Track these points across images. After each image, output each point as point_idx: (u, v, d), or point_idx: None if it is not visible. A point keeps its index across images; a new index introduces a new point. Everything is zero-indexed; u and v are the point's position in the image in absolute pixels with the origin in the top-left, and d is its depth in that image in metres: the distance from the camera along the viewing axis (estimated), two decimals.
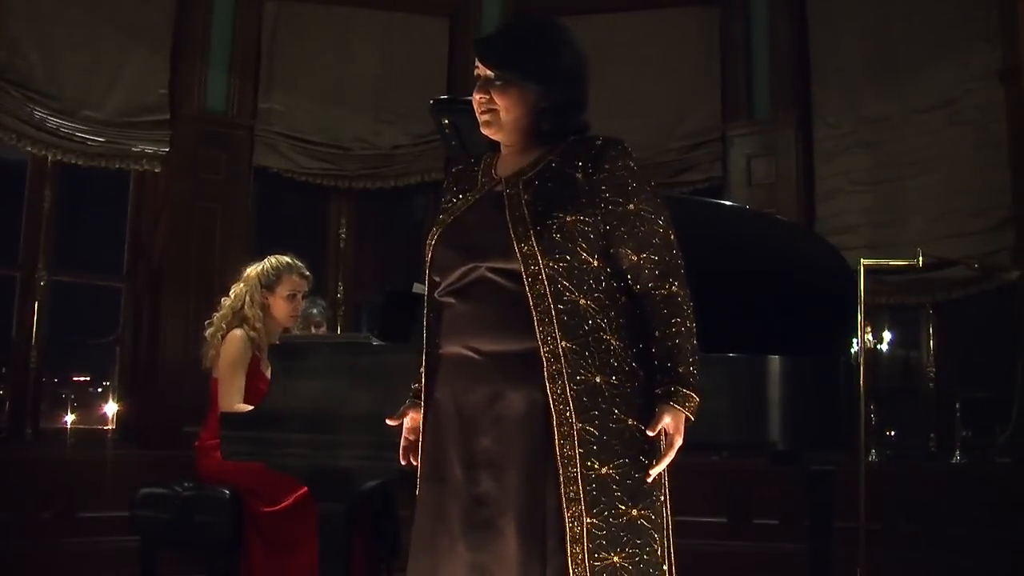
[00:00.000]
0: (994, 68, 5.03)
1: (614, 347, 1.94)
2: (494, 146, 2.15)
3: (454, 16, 6.04)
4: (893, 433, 5.45)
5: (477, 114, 2.07)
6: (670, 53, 5.92)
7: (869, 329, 3.92)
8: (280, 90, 5.73)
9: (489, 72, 2.04)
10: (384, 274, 6.06)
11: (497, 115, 2.04)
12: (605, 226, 1.98)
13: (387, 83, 5.87)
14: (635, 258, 1.98)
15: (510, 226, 1.95)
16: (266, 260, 3.85)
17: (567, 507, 1.88)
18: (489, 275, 1.97)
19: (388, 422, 2.17)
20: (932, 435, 5.25)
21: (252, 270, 3.83)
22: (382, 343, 2.94)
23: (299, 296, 3.85)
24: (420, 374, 2.11)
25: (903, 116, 5.35)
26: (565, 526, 1.88)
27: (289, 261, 3.85)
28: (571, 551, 1.87)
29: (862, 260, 3.88)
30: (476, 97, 2.05)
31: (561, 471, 1.88)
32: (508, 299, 1.94)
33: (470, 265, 1.99)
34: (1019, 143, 4.91)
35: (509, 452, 1.94)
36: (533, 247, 1.92)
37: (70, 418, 5.14)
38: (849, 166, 5.49)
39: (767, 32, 5.77)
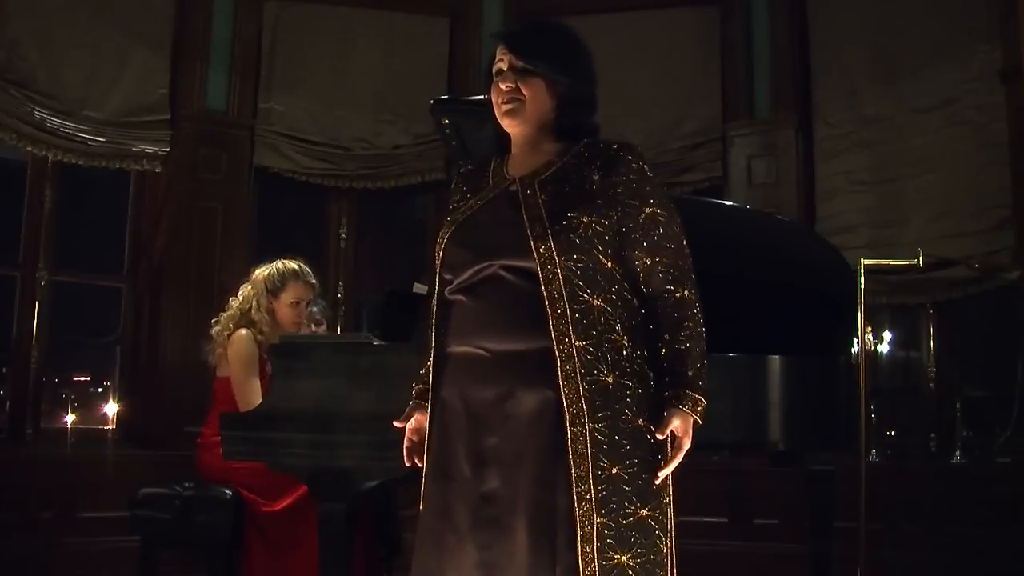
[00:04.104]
0: (994, 68, 5.03)
1: (625, 348, 1.94)
2: (499, 147, 2.14)
3: (454, 16, 6.03)
4: (893, 433, 5.45)
5: (499, 104, 2.05)
6: (670, 53, 5.92)
7: (869, 329, 3.92)
8: (280, 90, 5.73)
9: (516, 62, 2.04)
10: (384, 274, 6.06)
11: (523, 104, 2.03)
12: (621, 228, 1.99)
13: (387, 83, 5.87)
14: (648, 261, 2.00)
15: (527, 225, 1.95)
16: (274, 264, 3.81)
17: (578, 505, 1.88)
18: (502, 273, 1.97)
19: (395, 424, 2.16)
20: (932, 435, 5.24)
21: (260, 273, 3.80)
22: (383, 343, 2.94)
23: (303, 304, 3.81)
24: (422, 375, 2.11)
25: (903, 116, 5.35)
26: (576, 524, 1.87)
27: (296, 268, 3.81)
28: (582, 550, 1.87)
29: (862, 260, 3.88)
30: (502, 86, 2.04)
31: (573, 470, 1.88)
32: (520, 297, 1.94)
33: (484, 263, 1.98)
34: (1019, 143, 4.90)
35: (519, 450, 1.93)
36: (551, 247, 1.92)
37: (70, 418, 5.14)
38: (849, 166, 5.49)
39: (767, 32, 5.77)
